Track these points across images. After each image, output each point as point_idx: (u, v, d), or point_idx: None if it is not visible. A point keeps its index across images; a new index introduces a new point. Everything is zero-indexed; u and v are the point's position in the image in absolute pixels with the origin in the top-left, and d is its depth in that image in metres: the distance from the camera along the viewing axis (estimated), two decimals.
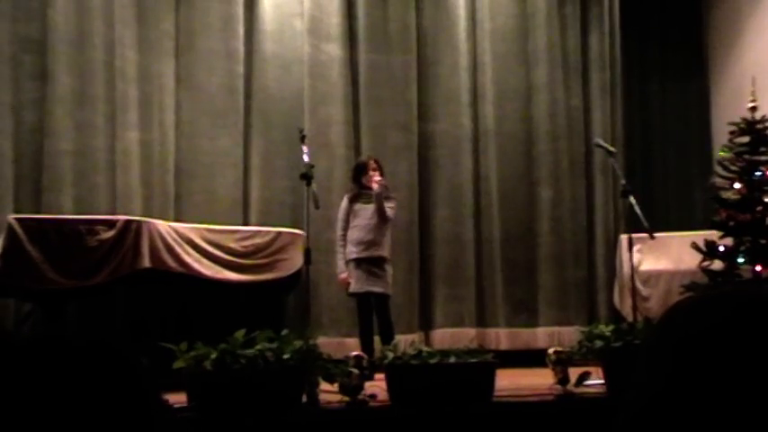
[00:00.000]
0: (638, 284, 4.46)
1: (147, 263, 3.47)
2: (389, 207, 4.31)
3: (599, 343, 3.14)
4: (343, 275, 4.31)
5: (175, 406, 2.57)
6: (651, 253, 4.70)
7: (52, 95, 4.24)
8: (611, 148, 4.31)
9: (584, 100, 5.39)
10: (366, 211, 4.28)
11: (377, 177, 4.27)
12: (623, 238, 4.63)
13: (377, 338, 4.22)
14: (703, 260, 4.12)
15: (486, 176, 5.30)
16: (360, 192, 4.35)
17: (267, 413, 2.64)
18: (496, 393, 2.97)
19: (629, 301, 4.39)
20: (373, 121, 5.15)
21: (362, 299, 4.28)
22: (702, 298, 0.61)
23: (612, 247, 5.21)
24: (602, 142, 4.40)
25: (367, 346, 4.16)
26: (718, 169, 4.28)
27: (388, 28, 5.18)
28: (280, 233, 4.14)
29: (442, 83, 5.27)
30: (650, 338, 0.61)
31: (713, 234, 4.19)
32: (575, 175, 5.32)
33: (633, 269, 4.15)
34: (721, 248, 4.08)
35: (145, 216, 3.91)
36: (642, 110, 5.70)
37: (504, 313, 5.16)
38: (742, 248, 4.05)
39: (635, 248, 4.29)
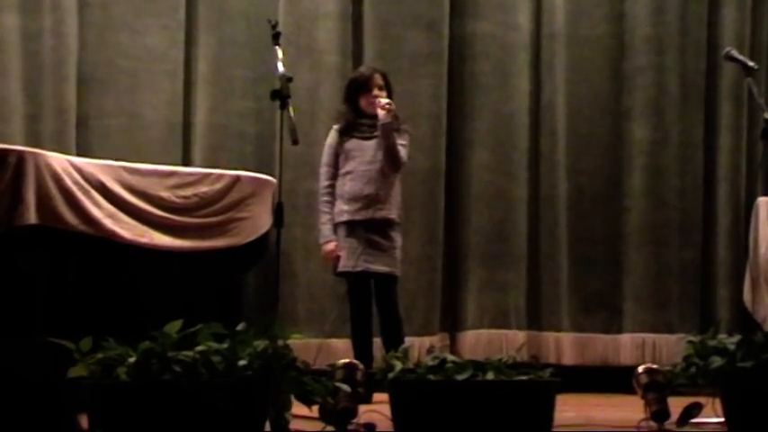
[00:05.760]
0: None
1: (32, 217, 3.45)
2: (401, 145, 4.33)
3: (717, 361, 3.13)
4: (330, 246, 4.34)
5: None
6: None
7: None
8: (751, 63, 4.24)
9: None
10: (365, 151, 4.31)
11: (384, 100, 4.23)
12: (762, 202, 4.62)
13: (377, 341, 4.31)
14: None
15: (550, 104, 5.31)
16: (356, 121, 4.35)
17: None
18: (557, 429, 2.95)
19: (767, 300, 4.34)
20: (382, 16, 5.15)
21: (358, 281, 4.32)
22: None
23: (744, 216, 5.17)
24: (736, 54, 4.33)
25: (363, 351, 4.24)
26: None
27: None
28: (237, 179, 4.16)
29: None
30: None
31: None
32: (688, 106, 5.30)
33: None
34: None
35: (30, 146, 3.88)
36: None
37: (571, 310, 5.22)
38: None
39: None
